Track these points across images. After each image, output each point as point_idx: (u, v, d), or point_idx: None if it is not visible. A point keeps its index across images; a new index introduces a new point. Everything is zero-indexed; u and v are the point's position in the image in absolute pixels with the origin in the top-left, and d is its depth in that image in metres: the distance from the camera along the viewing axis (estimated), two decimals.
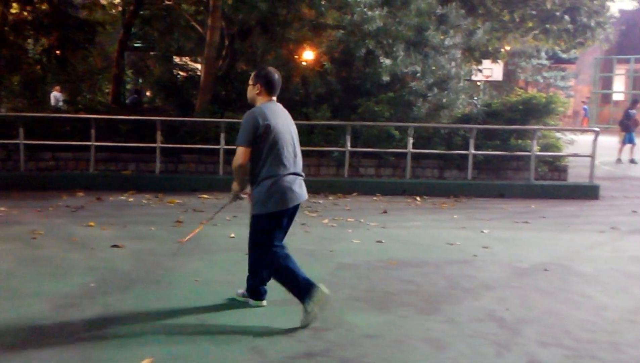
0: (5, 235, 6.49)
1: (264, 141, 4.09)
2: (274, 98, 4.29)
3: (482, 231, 7.28)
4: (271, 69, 4.35)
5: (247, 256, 5.74)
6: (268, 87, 4.24)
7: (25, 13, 13.33)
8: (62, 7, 13.01)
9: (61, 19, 12.86)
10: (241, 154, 4.11)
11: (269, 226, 4.18)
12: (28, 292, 4.63)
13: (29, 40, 14.19)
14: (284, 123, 4.21)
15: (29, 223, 7.13)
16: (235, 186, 4.31)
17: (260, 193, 4.12)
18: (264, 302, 4.47)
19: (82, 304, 4.39)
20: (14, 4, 13.02)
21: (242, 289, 4.55)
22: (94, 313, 4.20)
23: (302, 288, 4.10)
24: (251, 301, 4.47)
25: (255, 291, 4.45)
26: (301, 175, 4.30)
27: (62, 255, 5.74)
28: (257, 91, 4.24)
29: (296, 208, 4.26)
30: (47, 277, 5.03)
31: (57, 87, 14.64)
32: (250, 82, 4.28)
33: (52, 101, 14.22)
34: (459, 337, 3.98)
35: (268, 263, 4.22)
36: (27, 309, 4.27)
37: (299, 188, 4.22)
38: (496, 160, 10.88)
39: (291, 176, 4.17)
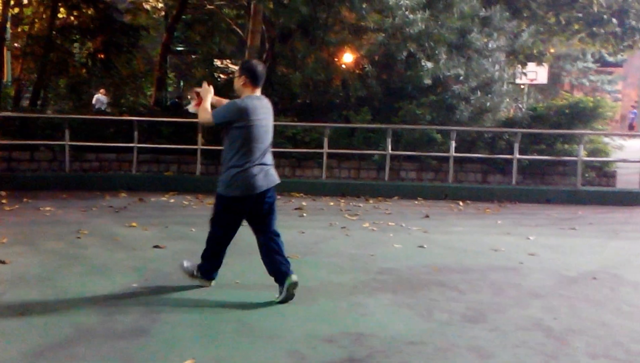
0: (51, 234, 6.62)
1: (240, 135, 4.36)
2: (259, 90, 4.53)
3: (528, 238, 7.10)
4: (255, 61, 4.67)
5: (287, 258, 5.77)
6: (253, 78, 4.46)
7: (72, 18, 13.67)
8: (107, 12, 13.29)
9: (106, 24, 13.14)
10: (208, 121, 4.52)
11: (226, 208, 4.54)
12: (72, 291, 4.69)
13: (75, 44, 14.54)
14: (263, 119, 4.44)
15: (74, 222, 7.26)
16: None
17: (227, 177, 4.47)
18: (212, 283, 4.80)
19: (124, 304, 4.42)
20: (62, 9, 13.36)
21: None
22: (136, 313, 4.22)
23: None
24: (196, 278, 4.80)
25: (205, 272, 4.76)
26: (268, 164, 4.53)
27: (105, 255, 5.81)
28: (243, 82, 4.47)
29: (262, 194, 4.46)
30: (90, 276, 5.09)
31: (102, 90, 14.96)
32: (236, 73, 4.57)
33: (94, 102, 14.53)
34: (504, 346, 3.85)
35: (209, 236, 4.65)
36: (72, 307, 4.31)
37: (264, 176, 4.45)
38: (542, 165, 10.66)
39: (257, 166, 4.41)
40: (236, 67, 16.19)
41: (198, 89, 4.86)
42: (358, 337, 3.90)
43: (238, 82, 4.51)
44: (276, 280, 4.54)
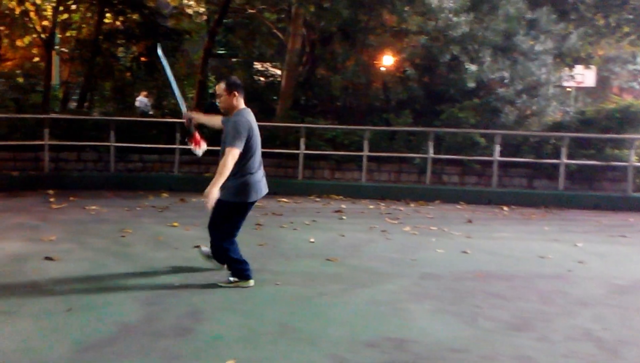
0: (97, 232, 6.74)
1: (246, 145, 4.62)
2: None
3: (576, 245, 6.88)
4: (234, 76, 5.01)
5: (328, 262, 5.74)
6: (242, 92, 4.79)
7: (118, 23, 13.96)
8: (152, 17, 13.52)
9: (151, 28, 13.36)
10: (235, 156, 4.55)
11: (233, 214, 4.75)
12: (117, 288, 4.76)
13: (121, 49, 14.84)
14: (256, 128, 4.77)
15: (119, 221, 7.38)
16: (214, 188, 4.47)
17: (233, 184, 4.66)
18: (251, 282, 4.86)
19: (166, 302, 4.44)
20: (108, 15, 13.66)
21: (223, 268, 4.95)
22: (178, 312, 4.24)
23: (239, 268, 4.82)
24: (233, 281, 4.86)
25: (239, 272, 4.85)
26: (262, 170, 4.88)
27: (148, 254, 5.88)
28: (236, 98, 4.74)
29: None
30: (134, 275, 5.15)
31: (144, 93, 15.22)
32: (225, 92, 4.74)
33: (137, 104, 14.80)
34: (552, 356, 3.72)
35: (218, 243, 4.80)
36: (116, 305, 4.36)
37: (264, 184, 4.85)
38: (590, 170, 10.35)
39: (258, 173, 4.79)
40: (276, 71, 16.23)
41: (190, 114, 5.18)
42: (401, 343, 3.82)
43: (231, 99, 4.72)
44: (228, 267, 4.91)
